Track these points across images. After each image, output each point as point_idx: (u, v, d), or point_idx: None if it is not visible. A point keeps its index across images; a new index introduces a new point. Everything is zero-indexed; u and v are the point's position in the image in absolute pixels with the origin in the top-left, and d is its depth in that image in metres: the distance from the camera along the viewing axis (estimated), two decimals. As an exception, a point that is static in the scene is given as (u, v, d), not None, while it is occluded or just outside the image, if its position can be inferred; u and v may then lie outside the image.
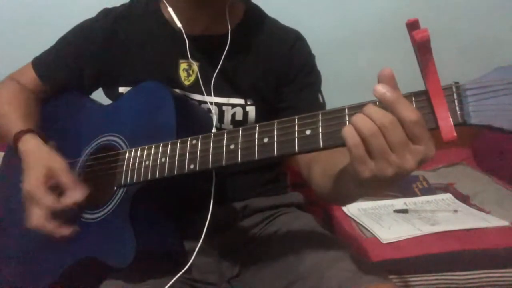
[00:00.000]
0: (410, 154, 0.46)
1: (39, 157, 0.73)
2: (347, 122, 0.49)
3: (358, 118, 0.47)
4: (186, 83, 0.82)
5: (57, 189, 0.71)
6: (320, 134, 0.51)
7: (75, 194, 0.69)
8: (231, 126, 0.83)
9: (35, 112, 0.88)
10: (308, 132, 0.52)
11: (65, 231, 0.71)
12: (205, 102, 0.81)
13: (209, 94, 0.79)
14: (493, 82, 0.44)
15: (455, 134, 0.44)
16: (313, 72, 0.87)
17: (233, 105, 0.82)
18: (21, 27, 1.46)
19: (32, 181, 0.70)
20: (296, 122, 0.53)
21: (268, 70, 0.84)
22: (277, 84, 0.84)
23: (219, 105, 0.82)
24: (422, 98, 0.47)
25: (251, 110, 0.83)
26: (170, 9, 0.81)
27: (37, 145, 0.76)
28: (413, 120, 0.45)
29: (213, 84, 0.79)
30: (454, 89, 0.45)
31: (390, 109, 0.45)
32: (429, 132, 0.46)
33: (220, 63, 0.79)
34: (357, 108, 0.49)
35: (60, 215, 0.70)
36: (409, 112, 0.45)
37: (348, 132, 0.47)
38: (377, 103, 0.47)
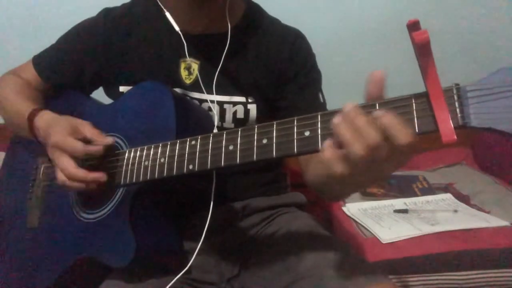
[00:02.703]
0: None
1: (61, 119, 0.73)
2: None
3: (349, 139, 0.45)
4: (187, 82, 0.82)
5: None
6: (319, 135, 0.50)
7: (103, 140, 0.69)
8: (232, 125, 0.83)
9: (42, 103, 0.86)
10: (307, 133, 0.51)
11: (96, 175, 0.68)
12: (206, 101, 0.81)
13: (210, 93, 0.79)
14: (494, 84, 0.43)
15: (455, 137, 0.43)
16: (314, 71, 0.87)
17: (235, 103, 0.82)
18: (21, 26, 1.46)
19: (59, 133, 0.69)
20: (295, 123, 0.52)
21: (268, 68, 0.84)
22: (277, 82, 0.84)
23: (220, 103, 0.82)
24: (422, 100, 0.46)
25: (252, 108, 0.83)
26: (167, 13, 0.82)
27: (56, 116, 0.76)
28: (407, 144, 0.43)
29: (215, 83, 0.79)
30: (454, 91, 0.45)
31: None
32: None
33: (221, 61, 0.79)
34: None
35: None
36: (404, 136, 0.43)
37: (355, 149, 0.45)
38: (377, 105, 0.47)
